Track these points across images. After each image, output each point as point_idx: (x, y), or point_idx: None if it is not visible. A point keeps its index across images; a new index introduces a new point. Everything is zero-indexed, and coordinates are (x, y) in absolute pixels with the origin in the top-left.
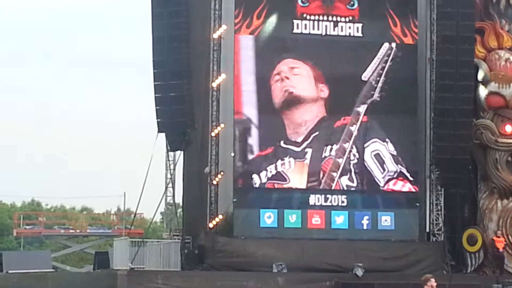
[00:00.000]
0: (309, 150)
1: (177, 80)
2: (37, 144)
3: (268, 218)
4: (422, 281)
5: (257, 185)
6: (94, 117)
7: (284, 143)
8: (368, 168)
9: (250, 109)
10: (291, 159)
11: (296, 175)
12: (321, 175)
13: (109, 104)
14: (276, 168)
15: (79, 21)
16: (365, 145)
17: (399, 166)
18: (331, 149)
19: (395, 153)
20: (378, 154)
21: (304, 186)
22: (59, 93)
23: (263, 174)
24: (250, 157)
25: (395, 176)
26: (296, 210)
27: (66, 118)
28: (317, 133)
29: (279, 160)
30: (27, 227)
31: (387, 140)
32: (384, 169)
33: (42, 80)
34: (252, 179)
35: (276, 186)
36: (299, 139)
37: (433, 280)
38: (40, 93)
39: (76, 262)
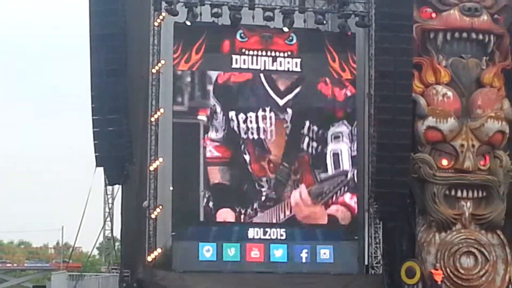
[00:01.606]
0: None
1: (115, 115)
2: None
3: (207, 251)
4: None
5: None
6: (33, 150)
7: None
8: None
9: None
10: None
11: None
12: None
13: (47, 137)
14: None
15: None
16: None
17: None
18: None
19: None
20: None
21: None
22: None
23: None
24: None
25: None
26: (235, 244)
27: (4, 150)
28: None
29: None
30: None
31: None
32: None
33: None
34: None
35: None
36: None
37: None
38: None
39: None
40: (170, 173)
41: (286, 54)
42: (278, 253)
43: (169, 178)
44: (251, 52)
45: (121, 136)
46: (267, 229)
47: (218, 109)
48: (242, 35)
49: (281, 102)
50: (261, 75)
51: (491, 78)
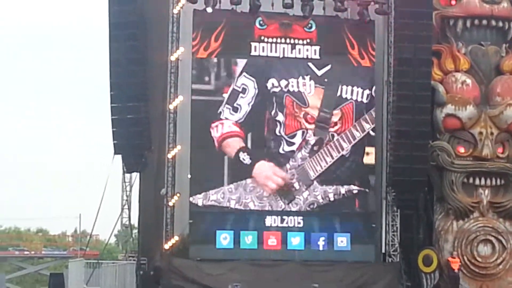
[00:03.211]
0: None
1: (134, 103)
2: None
3: (224, 239)
4: None
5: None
6: (52, 139)
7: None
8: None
9: None
10: None
11: None
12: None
13: (66, 125)
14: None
15: (34, 42)
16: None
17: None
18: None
19: None
20: None
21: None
22: (13, 114)
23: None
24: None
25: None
26: (252, 232)
27: (21, 139)
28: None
29: None
30: None
31: None
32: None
33: None
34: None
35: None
36: None
37: None
38: None
39: (31, 284)
40: (188, 161)
41: (305, 42)
42: (296, 241)
43: (187, 166)
44: (270, 40)
45: (140, 124)
46: (284, 217)
47: (251, 85)
48: (261, 22)
49: (319, 72)
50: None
51: (511, 65)
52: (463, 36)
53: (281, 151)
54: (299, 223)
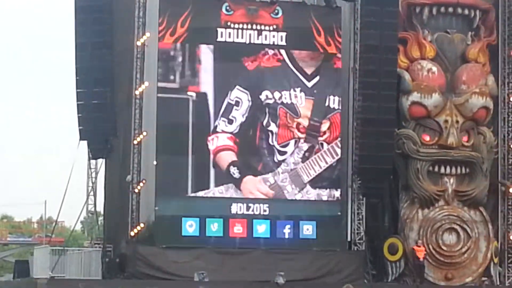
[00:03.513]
0: None
1: (100, 88)
2: None
3: (190, 226)
4: None
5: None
6: (16, 124)
7: None
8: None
9: None
10: None
11: None
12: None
13: (30, 110)
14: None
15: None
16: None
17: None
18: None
19: None
20: None
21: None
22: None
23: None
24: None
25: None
26: (218, 219)
27: None
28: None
29: None
30: None
31: None
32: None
33: None
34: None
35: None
36: None
37: None
38: None
39: None
40: (154, 147)
41: (271, 28)
42: (261, 228)
43: (153, 152)
44: (236, 26)
45: (106, 110)
46: (250, 205)
47: (245, 97)
48: (228, 8)
49: (309, 84)
50: (289, 62)
51: (476, 53)
52: (429, 24)
53: (275, 160)
54: (264, 210)
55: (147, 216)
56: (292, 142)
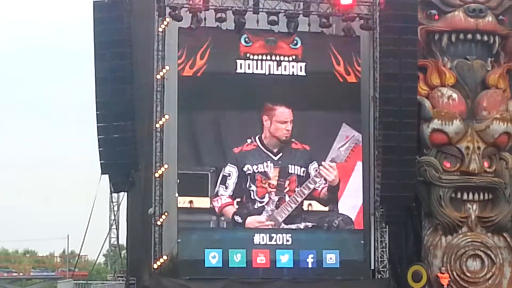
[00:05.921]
0: None
1: (121, 122)
2: None
3: (213, 258)
4: None
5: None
6: (35, 160)
7: None
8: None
9: None
10: None
11: None
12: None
13: (52, 147)
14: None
15: (20, 64)
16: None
17: None
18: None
19: None
20: None
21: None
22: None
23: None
24: None
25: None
26: (241, 250)
27: (11, 159)
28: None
29: None
30: None
31: None
32: None
33: None
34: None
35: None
36: None
37: None
38: None
39: None
40: (175, 179)
41: (291, 58)
42: (284, 258)
43: (174, 185)
44: (255, 57)
45: (126, 143)
46: (273, 235)
47: (234, 171)
48: (247, 39)
49: (275, 158)
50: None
51: (496, 79)
52: (449, 51)
53: (255, 207)
54: (287, 240)
55: (169, 248)
56: (267, 195)
